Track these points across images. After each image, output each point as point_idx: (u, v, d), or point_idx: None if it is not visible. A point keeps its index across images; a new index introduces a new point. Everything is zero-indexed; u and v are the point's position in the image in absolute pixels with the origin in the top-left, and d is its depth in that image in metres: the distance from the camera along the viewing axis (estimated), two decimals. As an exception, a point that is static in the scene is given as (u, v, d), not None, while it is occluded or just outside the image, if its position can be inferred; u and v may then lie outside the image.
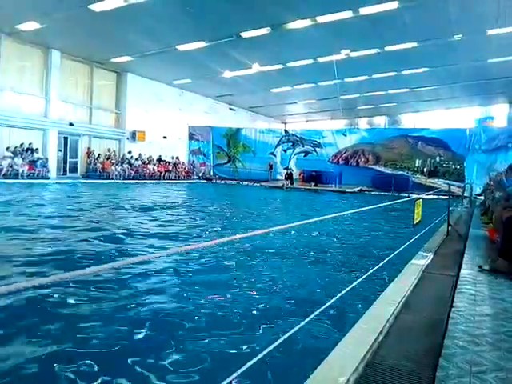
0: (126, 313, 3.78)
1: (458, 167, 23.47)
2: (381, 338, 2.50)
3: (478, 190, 17.41)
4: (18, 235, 6.95)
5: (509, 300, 3.30)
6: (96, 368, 2.77)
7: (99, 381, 2.62)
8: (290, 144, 28.84)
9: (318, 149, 27.85)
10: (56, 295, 4.08)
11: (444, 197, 15.75)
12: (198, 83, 27.41)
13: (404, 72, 23.63)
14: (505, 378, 2.00)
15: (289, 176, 26.56)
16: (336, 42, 18.74)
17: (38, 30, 17.94)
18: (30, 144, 20.30)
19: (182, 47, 19.77)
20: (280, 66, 22.99)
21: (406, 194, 20.33)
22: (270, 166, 28.66)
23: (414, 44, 18.61)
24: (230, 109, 35.13)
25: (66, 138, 22.76)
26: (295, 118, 40.88)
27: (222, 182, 29.00)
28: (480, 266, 4.35)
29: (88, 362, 2.83)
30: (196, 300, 4.21)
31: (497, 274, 4.12)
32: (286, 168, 27.69)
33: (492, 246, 5.50)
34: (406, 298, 3.34)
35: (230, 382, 1.75)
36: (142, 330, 3.41)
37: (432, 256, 5.15)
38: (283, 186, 25.36)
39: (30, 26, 17.53)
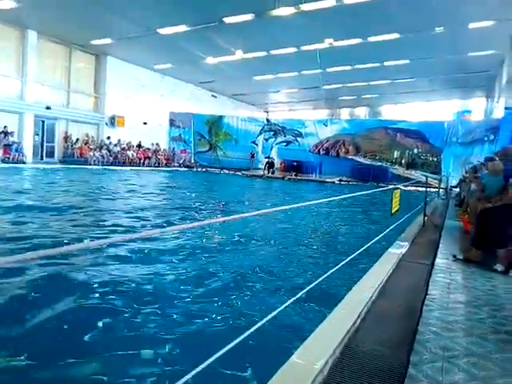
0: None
1: (436, 159, 23.89)
2: (358, 323, 2.55)
3: (454, 182, 17.76)
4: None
5: (481, 288, 3.40)
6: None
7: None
8: (272, 133, 28.77)
9: (299, 138, 27.87)
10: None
11: (421, 188, 16.06)
12: (180, 69, 26.95)
13: (386, 63, 23.74)
14: (476, 363, 2.07)
15: (270, 165, 26.58)
16: (320, 30, 18.62)
17: (14, 9, 17.25)
18: (4, 127, 19.68)
19: (163, 31, 19.32)
20: (263, 54, 22.77)
21: (385, 185, 20.60)
22: (252, 155, 28.58)
23: (397, 35, 18.68)
24: (212, 95, 34.74)
25: (43, 122, 22.16)
26: (278, 106, 40.75)
27: (203, 170, 28.77)
28: (454, 256, 4.46)
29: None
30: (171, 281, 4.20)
31: (470, 263, 4.24)
32: (268, 157, 27.68)
33: (466, 236, 5.64)
34: (382, 285, 3.40)
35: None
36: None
37: (408, 245, 5.26)
38: (263, 175, 25.39)
39: (5, 4, 16.82)
